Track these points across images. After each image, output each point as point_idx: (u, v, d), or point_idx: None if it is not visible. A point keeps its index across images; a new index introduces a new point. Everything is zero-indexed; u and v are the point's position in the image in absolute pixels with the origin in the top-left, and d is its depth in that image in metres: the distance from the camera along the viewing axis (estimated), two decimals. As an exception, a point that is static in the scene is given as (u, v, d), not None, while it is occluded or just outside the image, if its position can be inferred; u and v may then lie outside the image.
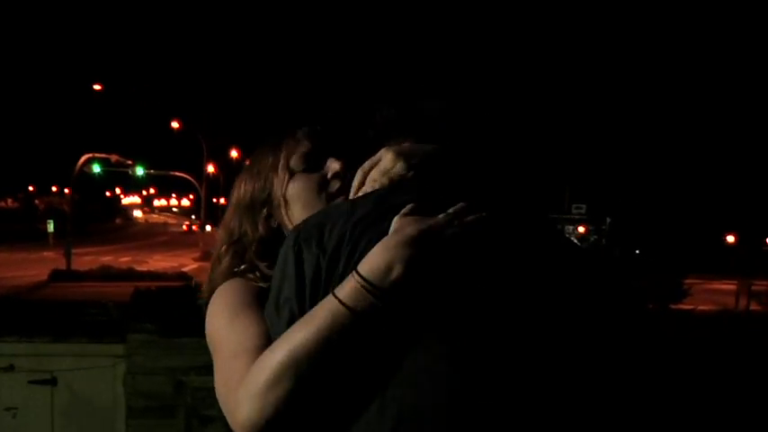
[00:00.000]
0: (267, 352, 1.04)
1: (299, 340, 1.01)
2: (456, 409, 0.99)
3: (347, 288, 1.02)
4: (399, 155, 1.17)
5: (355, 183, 1.22)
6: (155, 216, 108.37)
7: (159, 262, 26.80)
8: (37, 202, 68.30)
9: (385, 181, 1.16)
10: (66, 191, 36.46)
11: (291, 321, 1.05)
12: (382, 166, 1.18)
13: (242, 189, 1.43)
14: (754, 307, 15.32)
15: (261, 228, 1.38)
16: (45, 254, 27.47)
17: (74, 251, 21.46)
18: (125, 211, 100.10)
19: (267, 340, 1.10)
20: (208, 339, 1.25)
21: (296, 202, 1.35)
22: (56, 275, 18.53)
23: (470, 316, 1.02)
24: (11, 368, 4.96)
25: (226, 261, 1.39)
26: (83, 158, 24.78)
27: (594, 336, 1.08)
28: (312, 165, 1.37)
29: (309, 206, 1.33)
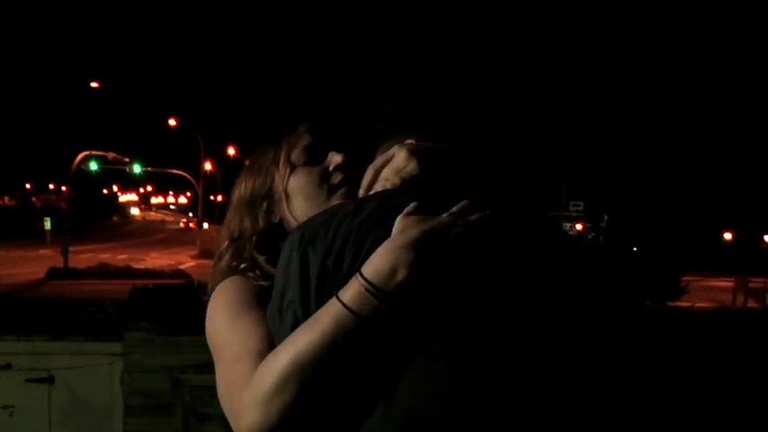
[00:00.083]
0: (271, 356, 1.03)
1: (303, 345, 0.99)
2: (463, 415, 0.98)
3: (351, 291, 1.00)
4: (413, 153, 1.15)
5: (366, 181, 1.21)
6: (152, 214, 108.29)
7: (156, 260, 26.76)
8: (34, 199, 68.25)
9: (397, 180, 1.14)
10: (64, 188, 36.43)
11: (296, 324, 1.03)
12: (395, 164, 1.16)
13: (242, 187, 1.42)
14: (751, 304, 15.34)
15: (261, 221, 1.37)
16: (42, 252, 27.41)
17: (71, 249, 21.40)
18: (122, 208, 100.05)
19: (269, 342, 1.09)
20: (208, 339, 1.24)
21: (297, 195, 1.34)
22: (53, 273, 18.47)
23: (475, 318, 1.00)
24: (8, 366, 4.96)
25: (226, 259, 1.38)
26: (80, 156, 24.72)
27: (596, 336, 1.08)
28: (313, 158, 1.36)
29: (311, 199, 1.33)
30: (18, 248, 30.20)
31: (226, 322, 1.21)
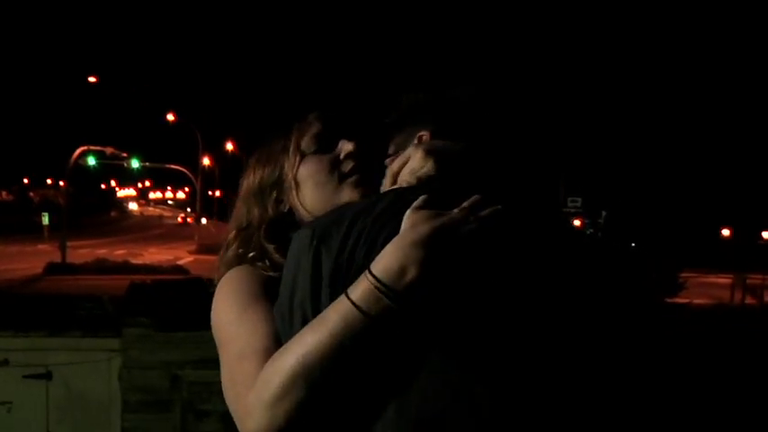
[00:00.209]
0: (277, 356, 1.00)
1: (311, 344, 0.97)
2: (478, 417, 0.96)
3: (360, 289, 0.97)
4: (429, 153, 1.12)
5: (386, 184, 1.19)
6: (150, 209, 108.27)
7: (155, 255, 26.73)
8: (32, 194, 68.17)
9: (413, 181, 1.12)
10: (62, 183, 36.38)
11: (305, 324, 1.01)
12: (411, 165, 1.14)
13: (251, 177, 1.40)
14: (748, 300, 15.37)
15: (270, 210, 1.35)
16: (40, 247, 27.38)
17: (69, 244, 21.38)
18: (120, 203, 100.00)
19: (276, 340, 1.07)
20: (214, 331, 1.22)
21: (307, 183, 1.32)
22: (51, 268, 18.44)
23: (487, 317, 0.99)
24: (5, 362, 4.95)
25: (233, 248, 1.36)
26: (78, 151, 24.68)
27: (609, 336, 1.06)
28: (324, 146, 1.34)
29: (321, 187, 1.31)
30: (16, 243, 30.17)
31: (232, 315, 1.18)
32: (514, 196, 1.11)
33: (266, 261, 1.29)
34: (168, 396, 4.75)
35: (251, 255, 1.32)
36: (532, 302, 1.00)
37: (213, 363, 1.20)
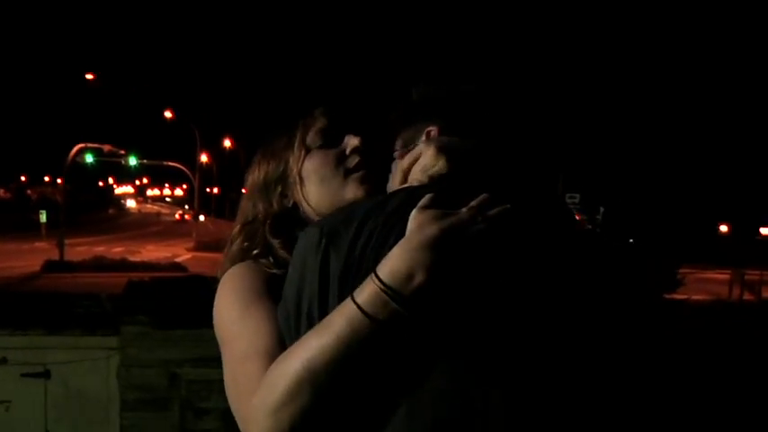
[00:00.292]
0: (282, 360, 0.98)
1: (316, 349, 0.94)
2: (492, 420, 0.94)
3: (367, 293, 0.94)
4: (441, 151, 1.10)
5: (395, 180, 1.17)
6: (148, 206, 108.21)
7: (152, 252, 26.68)
8: (29, 192, 68.04)
9: (425, 179, 1.09)
10: (59, 181, 36.33)
11: (311, 325, 0.98)
12: (423, 162, 1.11)
13: (256, 173, 1.38)
14: (746, 296, 15.37)
15: (275, 204, 1.33)
16: (37, 244, 27.32)
17: (67, 241, 21.34)
18: (118, 200, 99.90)
19: (280, 341, 1.05)
20: (216, 328, 1.21)
21: (312, 178, 1.30)
22: (49, 266, 18.40)
23: (497, 319, 0.96)
24: (4, 361, 4.94)
25: (237, 243, 1.34)
26: (75, 148, 24.60)
27: (621, 339, 1.05)
28: (329, 141, 1.32)
29: (326, 182, 1.29)
30: (13, 241, 30.11)
31: (235, 313, 1.16)
32: (522, 194, 1.09)
33: (270, 258, 1.28)
34: (167, 394, 4.74)
35: (255, 251, 1.30)
36: (542, 304, 0.98)
37: (212, 361, 1.19)
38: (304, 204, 1.30)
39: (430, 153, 1.10)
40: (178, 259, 21.58)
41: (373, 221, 1.00)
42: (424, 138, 1.17)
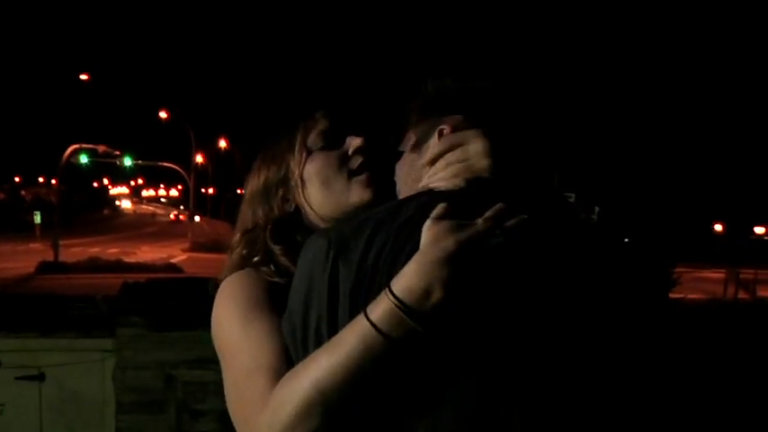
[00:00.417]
0: (291, 379, 0.93)
1: (327, 368, 0.90)
2: None
3: (381, 309, 0.89)
4: (489, 150, 1.04)
5: (421, 173, 1.11)
6: (143, 206, 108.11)
7: (148, 253, 26.65)
8: (23, 193, 67.78)
9: (462, 173, 1.03)
10: (53, 182, 36.24)
11: (319, 343, 0.94)
12: (467, 154, 1.05)
13: (255, 179, 1.34)
14: (741, 295, 15.43)
15: (276, 209, 1.30)
16: (32, 246, 27.28)
17: (61, 243, 21.30)
18: (113, 201, 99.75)
19: (285, 356, 1.01)
20: (215, 339, 1.17)
21: (314, 180, 1.26)
22: (43, 267, 18.37)
23: (515, 337, 0.92)
24: (-3, 363, 4.90)
25: (238, 251, 1.30)
26: (70, 149, 24.56)
27: (643, 355, 1.01)
28: (331, 142, 1.29)
29: (329, 184, 1.25)
30: (7, 242, 30.04)
31: (236, 325, 1.12)
32: (535, 201, 1.04)
33: (271, 266, 1.24)
34: (163, 396, 4.71)
35: (256, 259, 1.26)
36: (561, 319, 0.94)
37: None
38: (306, 208, 1.27)
39: (478, 148, 1.04)
40: (174, 260, 21.57)
41: (385, 232, 0.95)
42: (435, 136, 1.12)
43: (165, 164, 35.84)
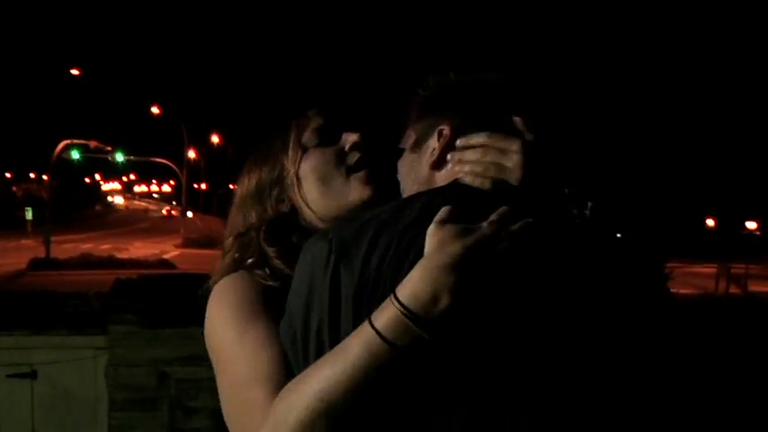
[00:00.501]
0: (293, 390, 0.90)
1: (331, 379, 0.86)
2: None
3: (386, 317, 0.86)
4: (527, 156, 1.00)
5: (415, 169, 1.08)
6: (136, 202, 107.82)
7: (140, 249, 26.53)
8: (14, 189, 67.43)
9: (485, 171, 1.00)
10: (45, 177, 36.05)
11: (321, 351, 0.91)
12: (494, 159, 1.01)
13: (246, 182, 1.30)
14: (733, 290, 15.49)
15: (270, 210, 1.25)
16: (23, 242, 27.13)
17: (53, 239, 21.18)
18: (105, 197, 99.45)
19: (284, 364, 0.98)
20: (209, 347, 1.13)
21: (311, 177, 1.23)
22: (35, 264, 18.27)
23: (524, 344, 0.90)
24: (-11, 361, 4.88)
25: (230, 255, 1.26)
26: (61, 145, 24.43)
27: (653, 363, 0.99)
28: (326, 139, 1.25)
29: (327, 181, 1.22)
30: (-1, 239, 29.86)
31: (231, 332, 1.09)
32: (536, 203, 1.01)
33: (266, 269, 1.19)
34: (156, 393, 4.71)
35: (249, 261, 1.22)
36: (570, 325, 0.92)
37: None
38: (303, 207, 1.23)
39: (516, 162, 1.01)
40: (166, 256, 21.47)
41: (388, 235, 0.91)
42: (435, 137, 1.09)
43: (158, 159, 35.72)
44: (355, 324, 0.89)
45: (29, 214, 31.01)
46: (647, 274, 1.08)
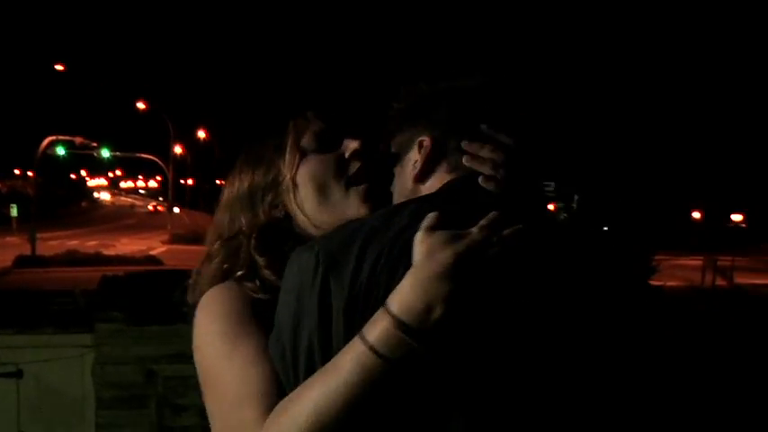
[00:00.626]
0: (286, 409, 0.88)
1: (324, 396, 0.84)
2: None
3: (379, 330, 0.84)
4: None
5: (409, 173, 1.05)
6: (122, 198, 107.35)
7: (127, 245, 26.40)
8: (-1, 185, 66.88)
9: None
10: (30, 174, 35.79)
11: (312, 367, 0.89)
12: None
13: (236, 182, 1.25)
14: (719, 282, 15.61)
15: (263, 216, 1.20)
16: (8, 239, 26.89)
17: (38, 236, 21.03)
18: (91, 193, 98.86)
19: (275, 381, 0.96)
20: (197, 362, 1.10)
21: (308, 185, 1.17)
22: (20, 261, 18.12)
23: (519, 353, 0.88)
24: (-26, 361, 4.83)
25: (217, 261, 1.21)
26: (46, 141, 24.21)
27: (646, 369, 0.98)
28: (326, 145, 1.20)
29: (325, 190, 1.17)
30: (-17, 236, 29.59)
31: (221, 348, 1.05)
32: (524, 207, 1.00)
33: (256, 281, 1.15)
34: (143, 391, 4.67)
35: (239, 273, 1.17)
36: (564, 329, 0.91)
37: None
38: (298, 214, 1.18)
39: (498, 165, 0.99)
40: (153, 252, 21.38)
41: (378, 243, 0.89)
42: (416, 149, 1.07)
43: (144, 155, 35.54)
44: (347, 336, 0.87)
45: (14, 211, 30.78)
46: (633, 268, 1.06)
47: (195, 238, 21.96)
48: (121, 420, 4.65)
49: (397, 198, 1.11)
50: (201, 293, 1.16)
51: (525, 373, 0.88)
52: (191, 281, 1.24)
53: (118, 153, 34.59)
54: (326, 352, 0.88)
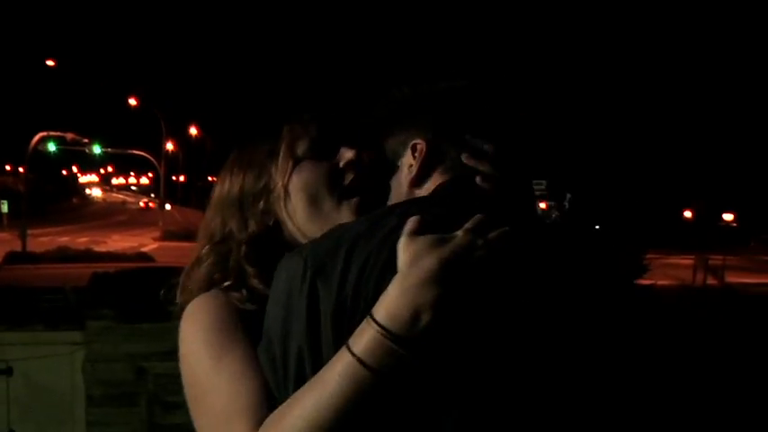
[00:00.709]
0: (275, 423, 0.87)
1: (314, 409, 0.83)
2: None
3: (365, 341, 0.83)
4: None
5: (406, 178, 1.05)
6: (114, 194, 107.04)
7: (118, 242, 26.30)
8: (-10, 181, 66.50)
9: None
10: (21, 170, 35.63)
11: (301, 377, 0.87)
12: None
13: (226, 183, 1.21)
14: (710, 281, 15.68)
15: (253, 224, 1.17)
16: (-1, 235, 26.79)
17: (29, 232, 20.93)
18: (82, 189, 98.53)
19: (265, 393, 0.94)
20: (183, 375, 1.08)
21: (301, 194, 1.15)
22: (11, 258, 17.97)
23: (508, 358, 0.87)
24: (-37, 359, 4.80)
25: (205, 266, 1.18)
26: (37, 137, 24.08)
27: (634, 371, 0.97)
28: (321, 153, 1.17)
29: (317, 201, 1.14)
30: (-26, 232, 29.43)
31: (209, 360, 1.03)
32: (507, 206, 0.99)
33: (243, 291, 1.13)
34: (134, 389, 4.66)
35: (227, 283, 1.15)
36: (553, 331, 0.89)
37: (190, 409, 1.10)
38: (288, 223, 1.16)
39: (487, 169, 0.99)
40: (144, 249, 21.33)
41: (366, 247, 0.88)
42: (409, 153, 1.05)
43: (135, 151, 35.40)
44: (336, 341, 0.86)
45: (4, 207, 30.63)
46: (622, 268, 1.05)
47: (187, 234, 21.92)
48: (112, 418, 4.63)
49: (393, 203, 1.09)
50: (190, 295, 1.15)
51: (515, 377, 0.87)
52: (179, 281, 1.22)
53: (109, 149, 34.44)
54: (316, 357, 0.87)
